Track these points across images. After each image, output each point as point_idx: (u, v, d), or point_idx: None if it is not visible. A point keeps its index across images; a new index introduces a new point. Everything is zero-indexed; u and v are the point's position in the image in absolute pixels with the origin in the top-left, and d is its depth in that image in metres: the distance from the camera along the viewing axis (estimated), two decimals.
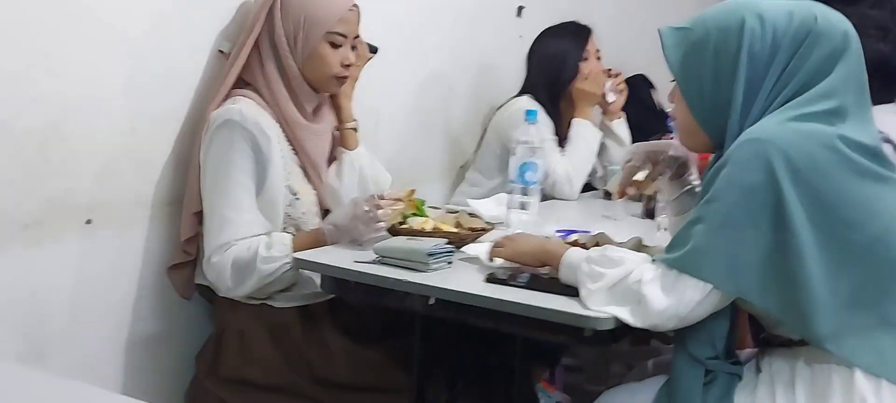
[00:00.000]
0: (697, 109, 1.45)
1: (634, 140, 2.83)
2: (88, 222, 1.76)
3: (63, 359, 1.73)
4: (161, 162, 1.89)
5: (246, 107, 1.81)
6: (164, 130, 1.89)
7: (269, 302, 1.85)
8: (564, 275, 1.47)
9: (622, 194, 1.76)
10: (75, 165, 1.71)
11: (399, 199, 1.81)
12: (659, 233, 1.88)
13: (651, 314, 1.34)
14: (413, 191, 1.87)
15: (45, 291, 1.70)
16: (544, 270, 1.55)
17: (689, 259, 1.32)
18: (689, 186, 1.67)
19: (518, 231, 1.71)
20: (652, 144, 1.72)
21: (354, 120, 2.05)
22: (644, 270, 1.36)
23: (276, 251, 1.77)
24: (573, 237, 1.76)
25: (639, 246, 1.66)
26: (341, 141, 2.02)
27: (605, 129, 2.73)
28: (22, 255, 1.64)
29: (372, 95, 2.36)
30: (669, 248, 1.38)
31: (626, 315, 1.36)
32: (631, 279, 1.36)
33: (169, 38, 1.86)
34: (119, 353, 1.88)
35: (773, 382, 1.39)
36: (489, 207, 2.12)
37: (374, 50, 2.06)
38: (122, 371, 1.89)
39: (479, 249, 1.68)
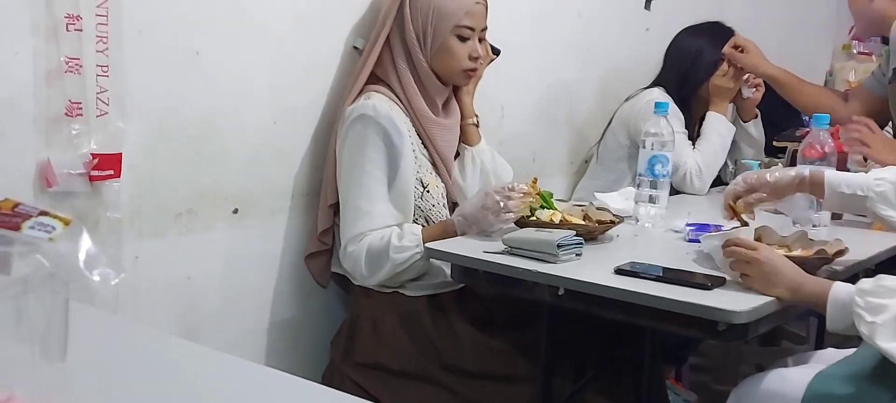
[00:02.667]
0: None
1: (767, 136, 2.76)
2: (235, 211, 1.87)
3: (213, 339, 1.84)
4: (300, 154, 1.99)
5: (379, 103, 1.88)
6: (303, 124, 1.99)
7: (400, 291, 1.91)
8: (833, 314, 1.37)
9: (730, 218, 1.77)
10: (224, 158, 1.82)
11: (527, 193, 1.83)
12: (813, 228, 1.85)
13: None
14: (535, 181, 1.89)
15: (199, 276, 1.82)
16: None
17: None
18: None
19: (767, 255, 1.49)
20: (758, 175, 1.71)
21: (476, 115, 2.09)
22: None
23: (407, 241, 1.83)
24: (712, 232, 1.74)
25: (804, 240, 1.63)
26: (463, 136, 2.07)
27: (739, 126, 2.68)
28: (177, 242, 1.77)
29: (497, 89, 2.40)
30: None
31: None
32: None
33: (308, 36, 1.95)
34: (262, 335, 1.99)
35: None
36: (616, 200, 2.12)
37: (496, 52, 2.09)
38: (264, 352, 2.00)
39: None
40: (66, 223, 0.61)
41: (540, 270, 1.59)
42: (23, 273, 0.58)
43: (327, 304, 2.11)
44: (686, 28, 2.69)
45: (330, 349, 2.05)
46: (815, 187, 1.70)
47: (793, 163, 2.15)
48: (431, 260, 1.82)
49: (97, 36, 1.54)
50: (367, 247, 1.85)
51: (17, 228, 0.59)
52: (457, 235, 1.84)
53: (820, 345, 2.36)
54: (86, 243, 0.60)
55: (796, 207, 1.77)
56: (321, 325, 2.09)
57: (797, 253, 1.63)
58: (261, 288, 1.97)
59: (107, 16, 1.54)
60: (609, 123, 2.69)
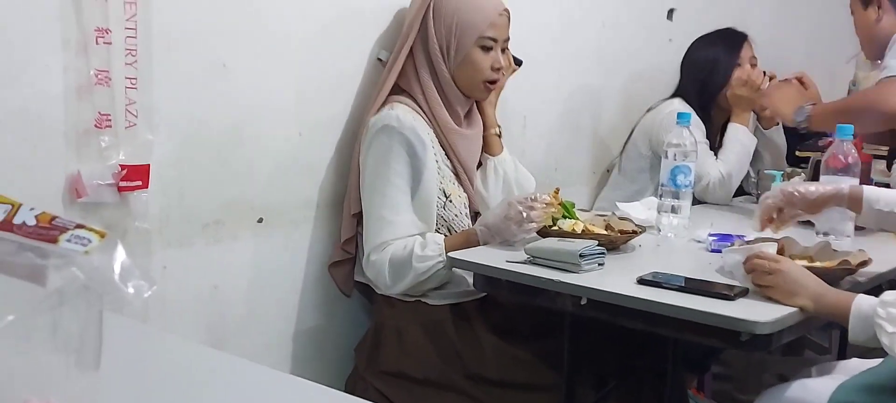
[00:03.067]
0: None
1: (790, 145, 2.75)
2: (260, 221, 1.89)
3: (239, 348, 1.87)
4: (324, 165, 2.01)
5: (402, 113, 1.90)
6: (327, 135, 2.01)
7: (424, 300, 1.92)
8: (856, 326, 1.38)
9: (762, 228, 1.75)
10: (250, 168, 1.85)
11: (550, 203, 1.84)
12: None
13: None
14: (557, 191, 1.90)
15: (225, 285, 1.84)
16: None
17: None
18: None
19: (789, 266, 1.50)
20: (795, 187, 1.70)
21: (498, 126, 2.10)
22: None
23: (430, 250, 1.85)
24: (735, 243, 1.74)
25: (827, 251, 1.62)
26: (486, 146, 2.08)
27: (761, 135, 2.67)
28: (203, 251, 1.79)
29: (519, 99, 2.41)
30: None
31: None
32: None
33: (333, 49, 1.98)
34: (287, 343, 2.01)
35: None
36: (638, 210, 2.12)
37: (518, 62, 2.11)
38: (289, 361, 2.02)
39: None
40: (102, 236, 0.63)
41: (563, 280, 1.60)
42: (59, 285, 0.60)
43: (351, 313, 2.13)
44: (699, 38, 2.68)
45: (354, 357, 2.06)
46: (852, 202, 1.70)
47: (816, 172, 2.14)
48: (454, 269, 1.84)
49: (126, 49, 1.57)
50: (390, 256, 1.86)
51: (54, 241, 0.61)
52: (479, 244, 1.85)
53: (843, 356, 2.34)
54: (120, 255, 0.62)
55: (830, 220, 1.76)
56: (345, 334, 2.11)
57: (820, 263, 1.62)
58: (285, 296, 1.99)
59: (136, 29, 1.57)
60: (630, 134, 2.69)
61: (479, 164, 2.09)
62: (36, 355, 0.61)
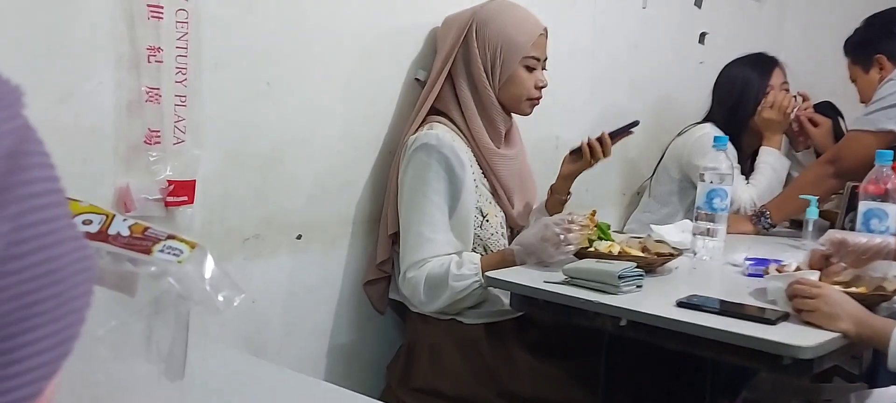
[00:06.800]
0: None
1: None
2: (299, 237, 1.91)
3: (275, 361, 1.87)
4: (361, 183, 2.04)
5: (442, 133, 1.92)
6: (366, 153, 2.04)
7: (458, 318, 1.94)
8: (895, 352, 1.38)
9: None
10: (291, 185, 1.87)
11: (586, 225, 1.85)
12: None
13: None
14: (594, 213, 1.91)
15: (263, 300, 1.86)
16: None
17: None
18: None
19: (830, 291, 1.51)
20: (842, 237, 1.69)
21: (570, 193, 2.13)
22: None
23: (466, 270, 1.86)
24: (772, 267, 1.74)
25: (863, 277, 1.62)
26: (548, 204, 2.11)
27: (793, 158, 2.67)
28: (243, 266, 1.82)
29: (552, 120, 2.43)
30: None
31: None
32: None
33: (372, 69, 2.00)
34: (321, 358, 2.03)
35: None
36: (672, 233, 2.13)
37: (634, 124, 2.09)
38: (323, 375, 2.03)
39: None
40: (192, 246, 0.64)
41: (602, 301, 1.61)
42: (156, 294, 0.62)
43: (384, 330, 2.14)
44: (731, 62, 2.69)
45: (386, 374, 2.08)
46: None
47: (852, 199, 2.14)
48: (490, 288, 1.85)
49: (177, 67, 1.60)
50: (427, 275, 1.87)
51: (148, 252, 0.63)
52: (515, 264, 1.86)
53: (872, 383, 2.33)
54: (210, 265, 0.64)
55: (876, 271, 1.75)
56: (377, 350, 2.13)
57: (856, 289, 1.62)
58: (320, 312, 2.01)
59: (186, 48, 1.60)
60: (661, 158, 2.70)
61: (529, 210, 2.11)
62: (131, 362, 0.62)
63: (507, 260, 1.89)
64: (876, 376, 2.39)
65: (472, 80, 1.97)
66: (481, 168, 2.00)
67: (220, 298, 0.62)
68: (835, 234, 1.68)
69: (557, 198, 2.10)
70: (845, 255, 1.66)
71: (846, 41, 2.63)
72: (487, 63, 1.96)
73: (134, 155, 1.59)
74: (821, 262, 1.67)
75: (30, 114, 0.41)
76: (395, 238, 1.98)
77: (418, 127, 1.97)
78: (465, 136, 1.98)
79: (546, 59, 2.02)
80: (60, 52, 1.48)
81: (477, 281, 1.85)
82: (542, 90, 2.01)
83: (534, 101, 2.01)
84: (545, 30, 2.00)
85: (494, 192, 2.02)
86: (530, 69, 1.97)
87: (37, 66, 1.45)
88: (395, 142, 2.05)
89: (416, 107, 2.01)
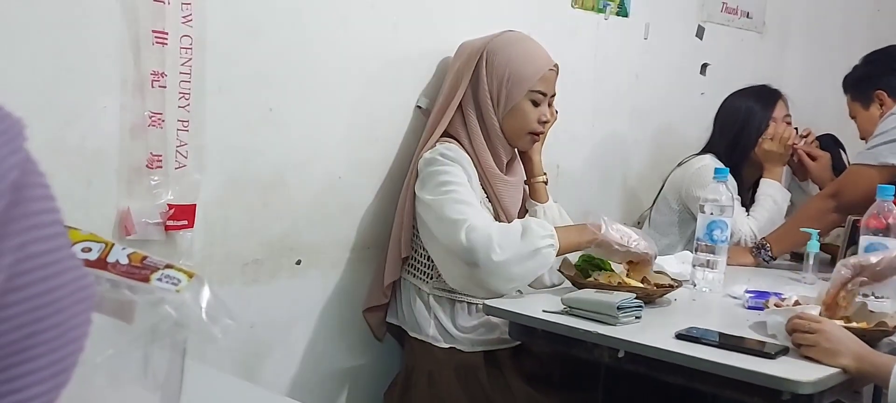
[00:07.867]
0: None
1: None
2: (298, 263, 1.92)
3: (273, 387, 1.88)
4: (362, 209, 2.04)
5: (451, 147, 1.93)
6: (368, 179, 2.04)
7: (457, 346, 1.93)
8: None
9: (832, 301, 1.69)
10: (291, 211, 1.88)
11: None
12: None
13: None
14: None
15: (261, 324, 1.86)
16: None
17: None
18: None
19: (830, 326, 1.50)
20: (862, 259, 1.69)
21: (545, 174, 2.12)
22: None
23: (542, 230, 1.81)
24: (772, 299, 1.74)
25: (864, 312, 1.62)
26: (532, 194, 2.10)
27: (796, 188, 2.68)
28: (242, 291, 1.82)
29: (553, 149, 2.43)
30: None
31: None
32: None
33: (376, 96, 2.02)
34: (318, 384, 2.02)
35: None
36: (672, 264, 2.13)
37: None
38: (320, 401, 2.03)
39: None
40: (190, 276, 0.65)
41: (600, 332, 1.60)
42: (153, 321, 0.62)
43: (382, 357, 2.14)
44: (734, 92, 2.69)
45: (383, 400, 2.07)
46: None
47: (853, 232, 2.14)
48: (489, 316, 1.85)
49: (180, 92, 1.61)
50: (497, 226, 1.81)
51: (146, 280, 0.63)
52: (595, 240, 1.86)
53: None
54: (206, 294, 0.64)
55: (893, 289, 1.74)
56: (375, 377, 2.12)
57: (857, 324, 1.62)
58: (319, 338, 2.01)
59: (190, 73, 1.62)
60: (661, 188, 2.71)
61: (525, 211, 2.11)
62: (127, 390, 0.63)
63: (584, 235, 1.87)
64: None
65: (478, 107, 1.98)
66: (485, 191, 2.00)
67: (217, 327, 0.62)
68: (852, 260, 1.67)
69: (537, 183, 2.10)
70: (865, 274, 1.65)
71: (845, 78, 2.65)
72: (494, 91, 1.97)
73: (136, 178, 1.60)
74: (845, 286, 1.66)
75: (38, 136, 0.41)
76: (405, 262, 1.98)
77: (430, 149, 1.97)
78: (472, 158, 1.98)
79: (554, 95, 2.02)
80: (68, 76, 1.49)
81: (552, 245, 1.80)
82: (546, 126, 2.01)
83: (534, 136, 2.01)
84: (556, 66, 2.00)
85: (496, 216, 2.02)
86: (536, 104, 1.97)
87: (45, 88, 1.47)
88: (397, 168, 2.06)
89: (427, 130, 2.02)
